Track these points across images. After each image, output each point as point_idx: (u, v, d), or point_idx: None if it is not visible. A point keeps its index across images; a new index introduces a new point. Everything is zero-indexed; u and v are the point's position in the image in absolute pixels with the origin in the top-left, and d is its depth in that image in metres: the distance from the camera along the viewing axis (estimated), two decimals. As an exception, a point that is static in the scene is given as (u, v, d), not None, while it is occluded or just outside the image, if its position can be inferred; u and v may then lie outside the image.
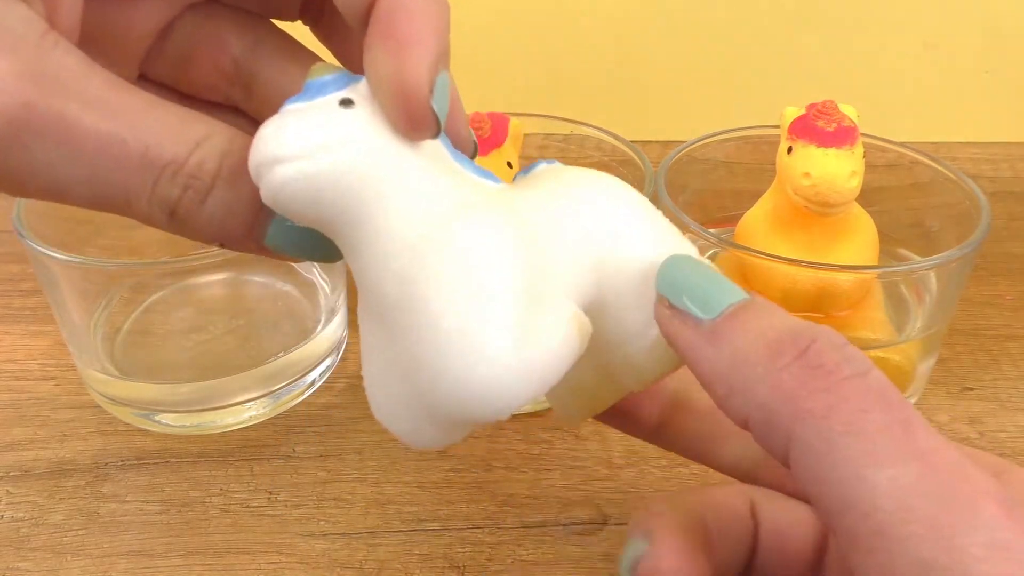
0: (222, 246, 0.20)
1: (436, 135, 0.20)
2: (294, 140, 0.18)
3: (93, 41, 0.21)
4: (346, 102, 0.19)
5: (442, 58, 0.19)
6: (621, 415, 0.24)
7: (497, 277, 0.18)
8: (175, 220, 0.19)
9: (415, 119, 0.19)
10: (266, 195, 0.18)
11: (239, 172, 0.19)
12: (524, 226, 0.19)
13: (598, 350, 0.21)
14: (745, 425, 0.17)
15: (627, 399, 0.23)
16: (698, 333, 0.18)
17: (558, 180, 0.21)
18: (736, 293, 0.19)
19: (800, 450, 0.16)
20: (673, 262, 0.19)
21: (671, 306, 0.19)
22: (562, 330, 0.19)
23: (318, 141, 0.18)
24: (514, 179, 0.22)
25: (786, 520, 0.22)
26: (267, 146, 0.18)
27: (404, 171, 0.19)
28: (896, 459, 0.15)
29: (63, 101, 0.18)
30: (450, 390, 0.18)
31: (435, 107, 0.19)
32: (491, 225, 0.19)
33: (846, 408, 0.16)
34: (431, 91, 0.19)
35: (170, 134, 0.19)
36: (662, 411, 0.24)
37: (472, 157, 0.21)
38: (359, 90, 0.19)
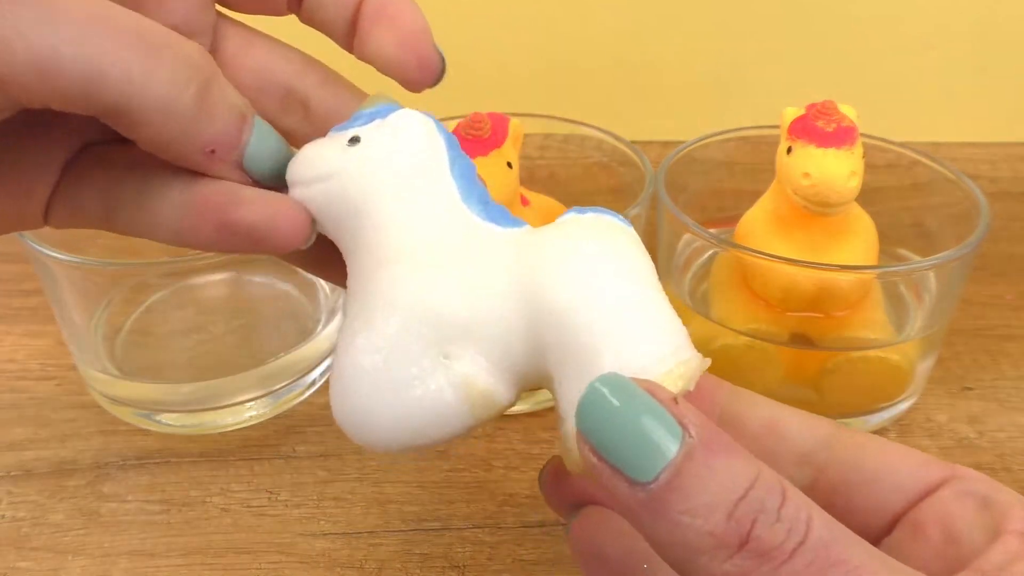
0: (212, 152, 0.20)
1: (440, 77, 0.22)
2: (300, 169, 0.21)
3: None
4: (354, 140, 0.21)
5: None
6: None
7: (403, 333, 0.20)
8: (182, 106, 0.19)
9: (423, 60, 0.22)
10: None
11: (228, 84, 0.20)
12: (471, 284, 0.20)
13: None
14: None
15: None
16: (633, 497, 0.16)
17: (550, 241, 0.20)
18: (670, 440, 0.16)
19: None
20: (592, 403, 0.17)
21: (598, 456, 0.17)
22: (446, 399, 0.19)
23: (316, 172, 0.21)
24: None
25: None
26: (288, 171, 0.22)
27: (386, 205, 0.21)
28: None
29: None
30: (334, 413, 0.20)
31: (439, 52, 0.22)
32: (421, 279, 0.20)
33: None
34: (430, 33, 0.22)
35: (158, 26, 0.19)
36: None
37: (439, 73, 0.23)
38: (374, 129, 0.21)
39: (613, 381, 0.17)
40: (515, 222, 0.21)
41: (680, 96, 0.55)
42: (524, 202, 0.35)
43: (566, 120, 0.40)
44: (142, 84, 0.18)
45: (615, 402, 0.17)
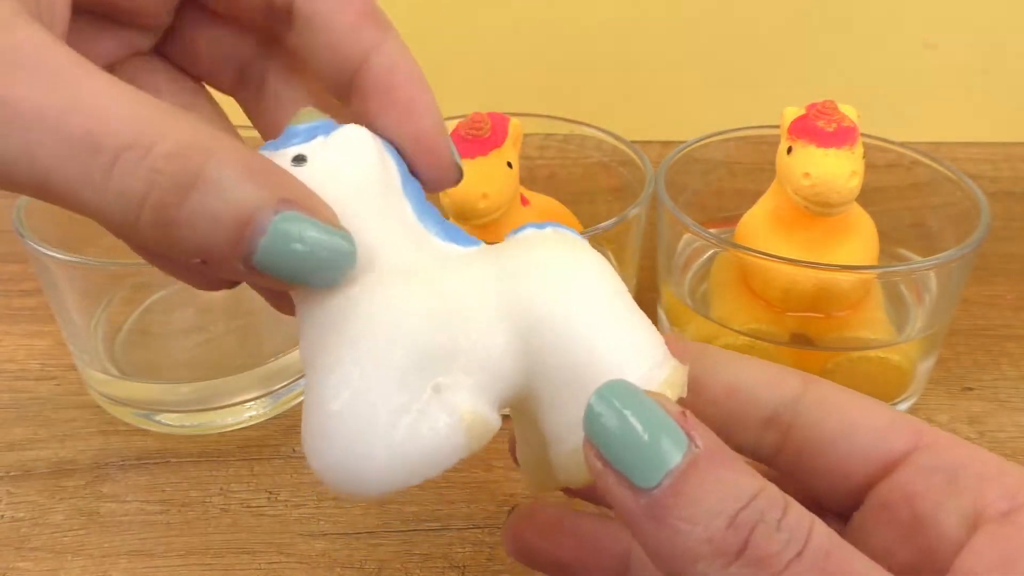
0: (203, 263, 0.17)
1: (459, 181, 0.22)
2: None
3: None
4: (299, 159, 0.19)
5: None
6: None
7: (384, 362, 0.18)
8: (142, 223, 0.17)
9: (442, 170, 0.21)
10: None
11: (231, 179, 0.17)
12: (449, 304, 0.19)
13: (536, 438, 0.20)
14: None
15: None
16: (636, 503, 0.17)
17: (527, 255, 0.20)
18: (675, 447, 0.16)
19: None
20: (601, 406, 0.17)
21: (603, 461, 0.17)
22: (443, 432, 0.18)
23: None
24: (507, 237, 0.21)
25: None
26: None
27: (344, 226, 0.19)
28: None
29: (4, 70, 0.16)
30: (315, 464, 0.18)
31: (456, 158, 0.21)
32: (395, 300, 0.18)
33: None
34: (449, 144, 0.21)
35: (131, 116, 0.16)
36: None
37: (456, 181, 0.22)
38: (319, 146, 0.19)
39: (621, 389, 0.17)
40: (472, 241, 0.21)
41: (680, 96, 0.55)
42: (524, 202, 0.35)
43: (566, 120, 0.40)
44: (90, 197, 0.16)
45: (623, 409, 0.17)
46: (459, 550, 0.30)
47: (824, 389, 0.21)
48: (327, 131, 0.20)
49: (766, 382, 0.21)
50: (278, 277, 0.17)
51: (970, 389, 0.38)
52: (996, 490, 0.18)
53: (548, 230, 0.20)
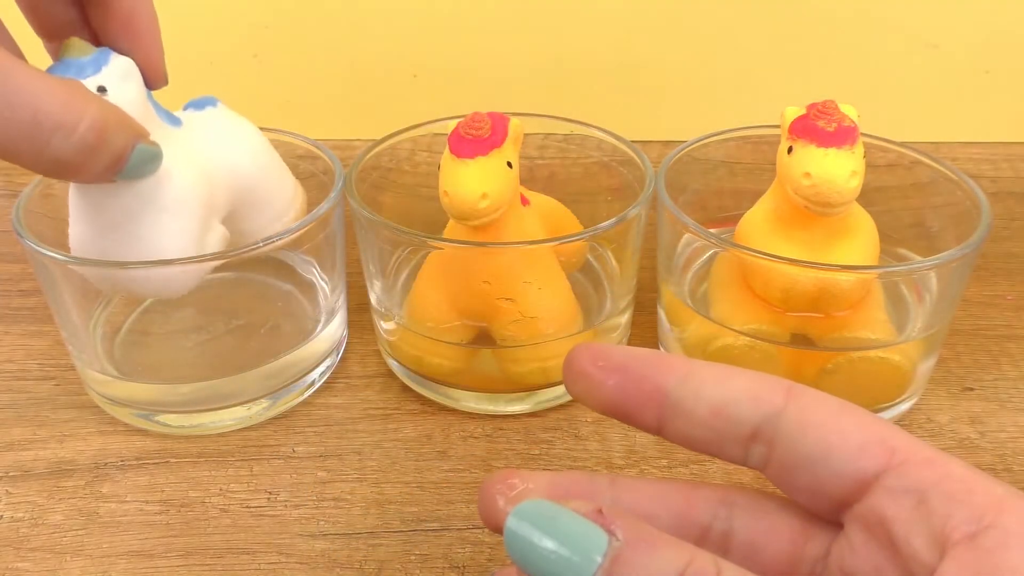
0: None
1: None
2: None
3: None
4: (101, 89, 0.28)
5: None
6: (623, 415, 0.23)
7: (195, 212, 0.31)
8: (61, 171, 0.26)
9: (161, 83, 0.31)
10: None
11: (114, 132, 0.26)
12: (204, 167, 0.32)
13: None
14: None
15: (625, 404, 0.23)
16: None
17: (215, 129, 0.34)
18: (596, 550, 0.17)
19: None
20: (520, 529, 0.17)
21: None
22: (218, 247, 0.32)
23: None
24: (185, 108, 0.34)
25: (762, 528, 0.22)
26: None
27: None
28: None
29: None
30: (150, 283, 0.30)
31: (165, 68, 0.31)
32: (191, 175, 0.31)
33: None
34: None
35: (58, 103, 0.25)
36: (660, 416, 0.23)
37: (163, 83, 0.31)
38: (109, 74, 0.29)
39: (534, 510, 0.18)
40: (176, 119, 0.32)
41: (680, 96, 0.55)
42: (524, 202, 0.35)
43: (566, 120, 0.40)
44: (27, 160, 0.25)
45: (539, 530, 0.17)
46: (459, 550, 0.30)
47: (804, 404, 0.21)
48: (106, 61, 0.29)
49: (750, 397, 0.21)
50: (134, 174, 0.28)
51: (970, 389, 0.37)
52: (963, 513, 0.18)
53: (220, 107, 0.35)
